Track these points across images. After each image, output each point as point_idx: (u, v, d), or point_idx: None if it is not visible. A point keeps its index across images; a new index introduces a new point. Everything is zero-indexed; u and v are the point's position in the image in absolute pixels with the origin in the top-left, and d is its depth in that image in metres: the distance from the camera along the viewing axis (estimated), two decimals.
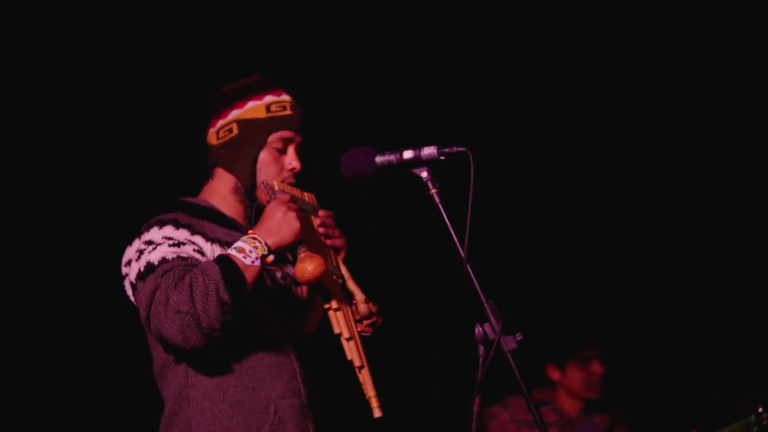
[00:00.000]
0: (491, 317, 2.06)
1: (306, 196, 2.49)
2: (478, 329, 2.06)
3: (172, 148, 3.13)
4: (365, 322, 2.43)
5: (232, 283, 2.17)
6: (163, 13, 3.52)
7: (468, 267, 2.09)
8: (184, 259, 2.26)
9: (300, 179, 2.52)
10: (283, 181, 2.45)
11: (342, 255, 2.48)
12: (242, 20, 3.74)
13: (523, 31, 4.31)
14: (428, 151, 2.19)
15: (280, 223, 2.27)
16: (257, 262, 2.24)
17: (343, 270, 2.46)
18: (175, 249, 2.27)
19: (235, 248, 2.25)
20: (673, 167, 4.62)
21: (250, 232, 2.29)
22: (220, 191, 2.50)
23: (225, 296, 2.16)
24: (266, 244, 2.26)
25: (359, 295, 2.42)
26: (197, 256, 2.29)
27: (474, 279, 2.08)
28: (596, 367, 3.97)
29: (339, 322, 2.36)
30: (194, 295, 2.14)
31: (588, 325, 4.19)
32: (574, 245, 4.71)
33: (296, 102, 2.53)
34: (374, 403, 2.32)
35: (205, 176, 2.55)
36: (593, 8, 4.28)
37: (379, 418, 2.32)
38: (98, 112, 3.47)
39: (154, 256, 2.26)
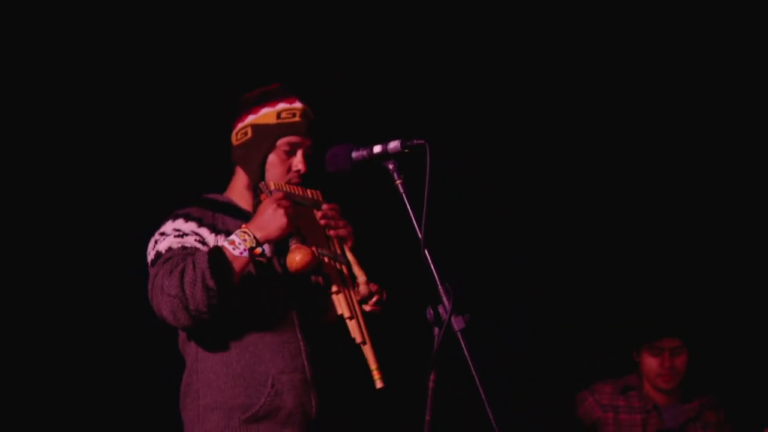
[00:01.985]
0: (444, 299, 2.19)
1: (309, 192, 2.70)
2: (429, 311, 2.21)
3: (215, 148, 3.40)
4: (371, 301, 2.62)
5: (218, 272, 2.44)
6: (204, 19, 3.84)
7: (425, 251, 2.23)
8: (185, 248, 2.55)
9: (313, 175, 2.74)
10: (288, 182, 2.68)
11: (349, 243, 2.67)
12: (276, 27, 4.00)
13: (511, 31, 4.36)
14: (393, 144, 2.36)
15: (268, 219, 2.51)
16: (245, 254, 2.49)
17: (349, 256, 2.65)
18: (180, 240, 2.58)
19: (227, 240, 2.51)
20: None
21: (243, 226, 2.54)
22: (238, 187, 2.78)
23: (210, 283, 2.43)
24: (255, 237, 2.50)
25: (361, 278, 2.62)
26: (198, 246, 2.58)
27: (430, 262, 2.22)
28: (666, 360, 3.99)
29: (341, 303, 2.56)
30: (184, 281, 2.44)
31: (675, 315, 4.19)
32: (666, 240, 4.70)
33: (309, 109, 2.76)
34: (376, 375, 2.52)
35: (230, 173, 2.83)
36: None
37: (381, 389, 2.51)
38: (147, 116, 3.83)
39: (162, 246, 2.58)
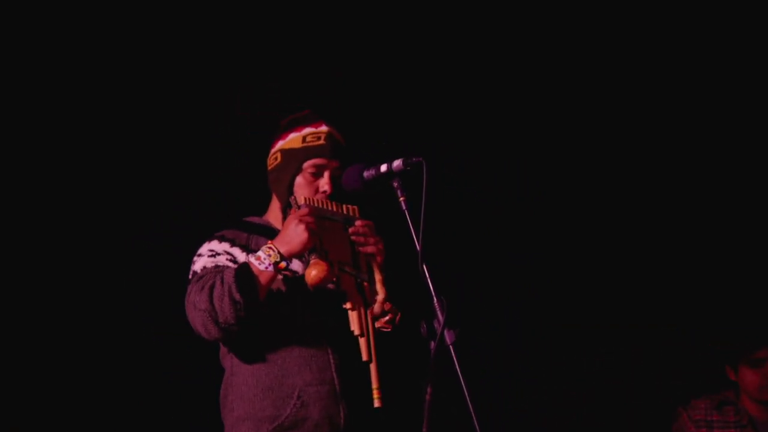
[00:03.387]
0: (438, 312, 2.23)
1: (345, 208, 2.76)
2: (422, 326, 2.25)
3: None
4: (383, 320, 2.67)
5: (244, 286, 2.58)
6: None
7: (423, 266, 2.28)
8: (217, 267, 2.73)
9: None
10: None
11: (378, 260, 2.70)
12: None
13: (510, 32, 4.32)
14: (396, 163, 2.46)
15: (291, 234, 2.62)
16: (270, 268, 2.61)
17: (376, 273, 2.69)
18: (213, 259, 2.76)
19: (254, 256, 2.65)
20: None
21: (269, 242, 2.66)
22: (275, 210, 2.93)
23: (237, 296, 2.57)
24: (279, 252, 2.62)
25: (380, 296, 2.66)
26: (230, 264, 2.74)
27: (428, 276, 2.27)
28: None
29: (353, 320, 2.63)
30: (213, 296, 2.60)
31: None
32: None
33: (335, 132, 2.86)
34: (375, 394, 2.57)
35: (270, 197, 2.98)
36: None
37: (379, 408, 2.56)
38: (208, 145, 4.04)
39: (198, 266, 2.77)
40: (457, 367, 2.18)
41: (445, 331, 2.21)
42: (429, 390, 2.24)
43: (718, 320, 4.31)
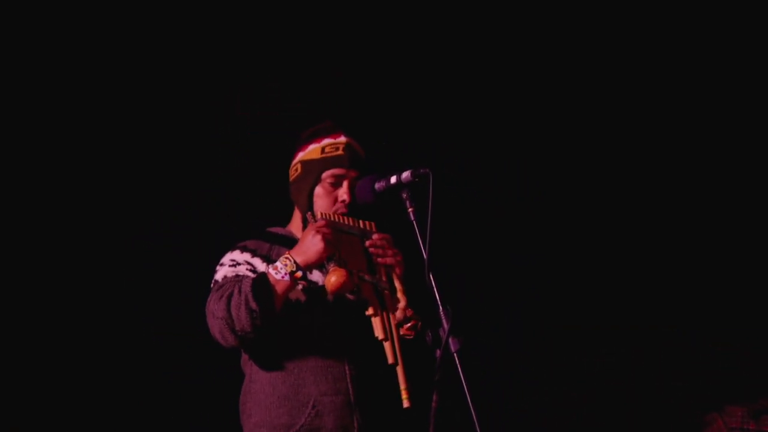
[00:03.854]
0: (444, 321, 2.29)
1: (362, 223, 2.82)
2: (428, 335, 2.31)
3: None
4: (406, 326, 2.71)
5: (261, 295, 2.65)
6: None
7: (430, 275, 2.34)
8: (237, 276, 2.80)
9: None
10: (335, 212, 2.84)
11: (397, 271, 2.76)
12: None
13: (511, 33, 4.34)
14: (405, 174, 2.53)
15: (308, 244, 2.68)
16: (286, 278, 2.68)
17: (396, 283, 2.75)
18: (233, 269, 2.83)
19: (272, 266, 2.72)
20: None
21: (286, 252, 2.72)
22: (296, 221, 3.00)
23: (253, 305, 2.64)
24: (295, 262, 2.68)
25: (401, 303, 2.71)
26: (249, 274, 2.80)
27: (434, 286, 2.32)
28: None
29: (376, 326, 2.68)
30: (230, 305, 2.67)
31: None
32: None
33: (354, 143, 2.92)
34: (404, 395, 2.60)
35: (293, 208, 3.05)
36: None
37: (407, 409, 2.58)
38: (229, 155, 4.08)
39: (219, 275, 2.85)
40: (462, 374, 2.23)
41: (450, 339, 2.26)
42: (435, 397, 2.30)
43: (751, 326, 4.33)
